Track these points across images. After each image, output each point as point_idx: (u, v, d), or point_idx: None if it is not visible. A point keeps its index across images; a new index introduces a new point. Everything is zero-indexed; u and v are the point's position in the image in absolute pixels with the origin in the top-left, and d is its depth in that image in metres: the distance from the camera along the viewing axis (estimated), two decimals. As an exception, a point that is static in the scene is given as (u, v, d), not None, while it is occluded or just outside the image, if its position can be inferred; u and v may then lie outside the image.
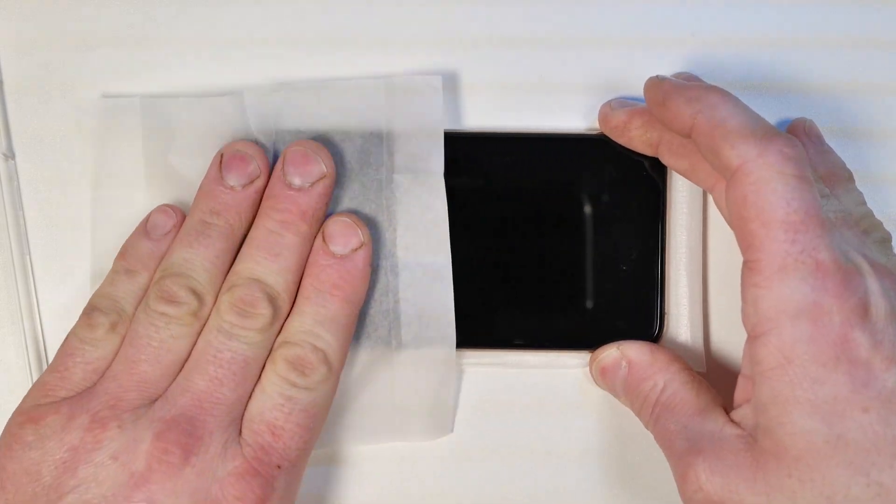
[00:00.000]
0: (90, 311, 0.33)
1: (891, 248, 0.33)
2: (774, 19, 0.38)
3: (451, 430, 0.37)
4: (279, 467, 0.31)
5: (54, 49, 0.38)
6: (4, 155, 0.38)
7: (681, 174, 0.35)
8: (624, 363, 0.35)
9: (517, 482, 0.37)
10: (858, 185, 0.35)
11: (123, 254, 0.35)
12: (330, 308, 0.33)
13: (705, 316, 0.37)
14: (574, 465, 0.37)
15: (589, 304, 0.37)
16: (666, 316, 0.37)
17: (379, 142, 0.36)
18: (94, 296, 0.34)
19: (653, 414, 0.33)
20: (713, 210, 0.37)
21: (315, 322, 0.32)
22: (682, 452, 0.31)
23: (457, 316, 0.36)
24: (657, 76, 0.33)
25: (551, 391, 0.38)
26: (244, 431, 0.31)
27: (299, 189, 0.33)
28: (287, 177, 0.34)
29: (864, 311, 0.28)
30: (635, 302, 0.36)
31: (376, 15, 0.38)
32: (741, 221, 0.29)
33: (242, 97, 0.36)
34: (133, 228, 0.35)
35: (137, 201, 0.36)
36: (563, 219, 0.37)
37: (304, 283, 0.33)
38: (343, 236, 0.34)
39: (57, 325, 0.38)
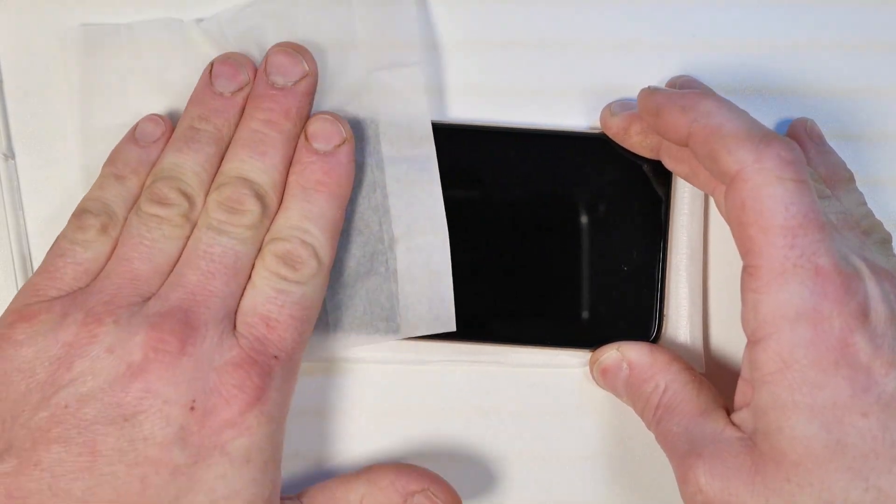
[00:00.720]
0: (80, 213, 0.33)
1: (891, 248, 0.33)
2: (774, 22, 0.38)
3: (454, 327, 0.36)
4: (276, 357, 0.31)
5: (54, 49, 0.38)
6: (4, 155, 0.38)
7: (682, 178, 0.35)
8: (624, 364, 0.35)
9: (517, 483, 0.37)
10: (858, 187, 0.35)
11: (112, 160, 0.35)
12: (316, 203, 0.33)
13: (705, 317, 0.37)
14: (575, 465, 0.37)
15: (589, 303, 0.36)
16: (665, 317, 0.37)
17: (356, 41, 0.36)
18: (84, 199, 0.34)
19: (655, 415, 0.33)
20: (714, 211, 0.37)
21: (302, 217, 0.33)
22: (683, 454, 0.31)
23: (457, 315, 0.36)
24: (649, 87, 0.34)
25: (552, 392, 0.38)
26: (238, 325, 0.32)
27: (282, 88, 0.34)
28: (270, 77, 0.34)
29: (863, 315, 0.28)
30: (635, 302, 0.36)
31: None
32: (740, 227, 0.29)
33: (222, 16, 0.37)
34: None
35: (124, 113, 0.37)
36: (564, 218, 0.37)
37: (289, 181, 0.34)
38: (325, 133, 0.34)
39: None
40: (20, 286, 0.37)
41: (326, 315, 0.36)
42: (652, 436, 0.34)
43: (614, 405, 0.37)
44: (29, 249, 0.38)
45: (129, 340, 0.30)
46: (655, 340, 0.36)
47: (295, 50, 0.35)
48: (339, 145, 0.34)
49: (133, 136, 0.35)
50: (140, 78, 0.37)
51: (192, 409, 0.30)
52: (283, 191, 0.34)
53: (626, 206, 0.37)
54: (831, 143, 0.36)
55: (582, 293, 0.37)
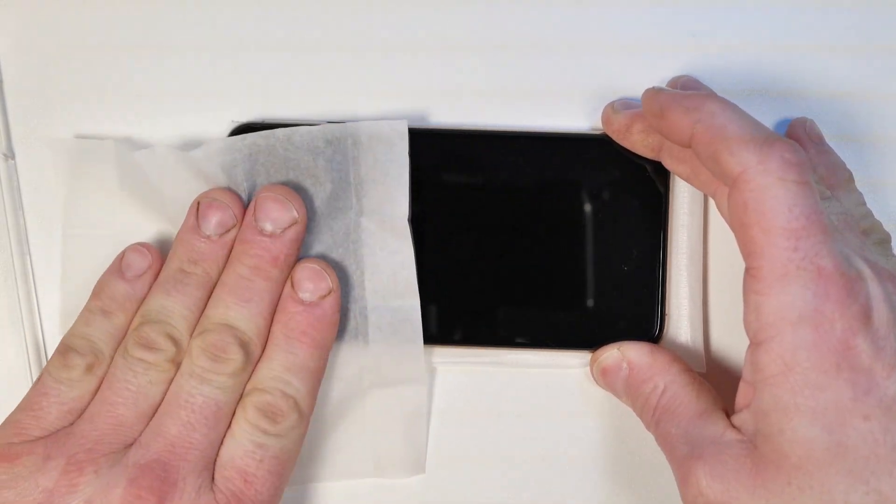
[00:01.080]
0: (65, 350, 0.33)
1: (890, 249, 0.33)
2: (774, 23, 0.38)
3: (424, 471, 0.37)
4: None
5: (54, 49, 0.38)
6: (4, 155, 0.38)
7: (683, 178, 0.35)
8: (624, 364, 0.35)
9: (518, 484, 0.37)
10: (858, 187, 0.35)
11: (98, 293, 0.35)
12: (299, 354, 0.33)
13: (705, 317, 0.37)
14: (575, 465, 0.37)
15: (590, 303, 0.36)
16: (666, 317, 0.37)
17: (347, 186, 0.36)
18: (69, 335, 0.34)
19: (654, 417, 0.33)
20: (714, 211, 0.37)
21: (284, 369, 0.33)
22: (683, 457, 0.31)
23: (458, 314, 0.36)
24: (653, 88, 0.33)
25: (552, 392, 0.38)
26: (216, 477, 0.31)
27: (271, 235, 0.34)
28: (259, 223, 0.34)
29: (865, 317, 0.28)
30: (636, 302, 0.36)
31: (378, 18, 0.38)
32: (743, 228, 0.29)
33: (210, 146, 0.36)
34: (104, 267, 0.36)
35: (108, 242, 0.36)
36: (565, 218, 0.37)
37: (273, 329, 0.34)
38: (312, 282, 0.34)
39: (57, 326, 0.38)
40: (19, 288, 0.37)
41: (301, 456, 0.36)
42: (652, 437, 0.34)
43: (615, 406, 0.37)
44: (29, 249, 0.38)
45: (107, 494, 0.30)
46: (657, 340, 0.36)
47: (285, 196, 0.34)
48: (325, 296, 0.34)
49: (119, 269, 0.35)
50: (123, 195, 0.37)
51: None
52: (267, 337, 0.34)
53: (627, 206, 0.37)
54: (831, 144, 0.36)
55: (583, 293, 0.36)
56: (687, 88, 0.36)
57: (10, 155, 0.38)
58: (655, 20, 0.38)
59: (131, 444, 0.31)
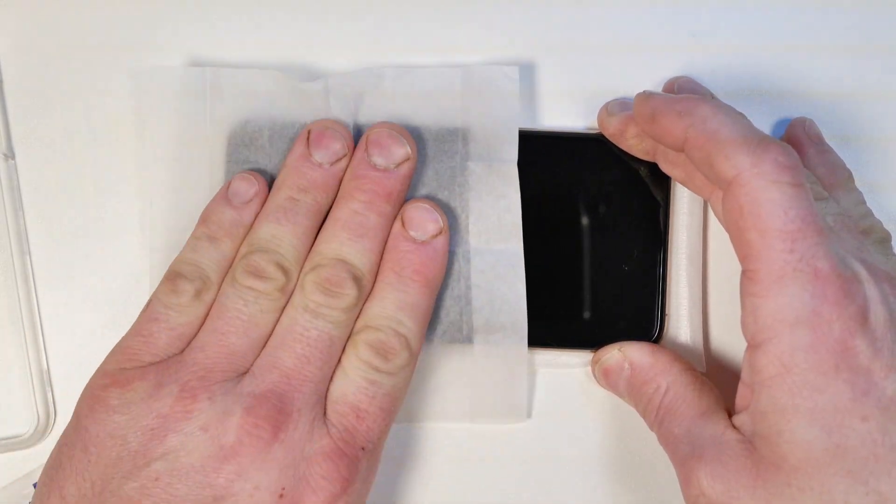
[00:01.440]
0: (174, 276, 0.33)
1: (890, 248, 0.33)
2: (774, 24, 0.38)
3: (529, 416, 0.37)
4: (363, 449, 0.31)
5: (54, 49, 0.38)
6: (4, 155, 0.38)
7: (678, 182, 0.35)
8: (626, 365, 0.35)
9: (518, 483, 0.37)
10: (857, 188, 0.35)
11: (205, 220, 0.34)
12: (411, 293, 0.33)
13: (705, 317, 0.37)
14: (576, 465, 0.37)
15: (590, 304, 0.36)
16: (666, 316, 0.37)
17: (454, 130, 0.36)
18: (177, 261, 0.34)
19: (656, 417, 0.33)
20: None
21: (397, 307, 0.33)
22: (686, 457, 0.31)
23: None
24: (645, 92, 0.33)
25: (554, 392, 0.38)
26: (329, 412, 0.32)
27: (384, 170, 0.34)
28: (371, 157, 0.34)
29: (863, 318, 0.28)
30: (636, 302, 0.36)
31: (375, 20, 0.38)
32: (738, 231, 0.29)
33: (326, 80, 0.36)
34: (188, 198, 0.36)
35: (203, 177, 0.36)
36: (564, 219, 0.37)
37: (384, 266, 0.33)
38: (423, 222, 0.34)
39: (57, 326, 0.38)
40: (20, 288, 0.37)
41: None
42: (653, 436, 0.34)
43: (616, 406, 0.37)
44: (29, 249, 0.38)
45: (223, 421, 0.30)
46: (657, 340, 0.36)
47: (398, 132, 0.34)
48: (436, 235, 0.34)
49: (226, 196, 0.34)
50: (211, 120, 0.36)
51: (281, 496, 0.30)
52: (377, 274, 0.33)
53: (627, 206, 0.37)
54: (831, 144, 0.36)
55: (583, 294, 0.36)
56: (684, 89, 0.36)
57: (10, 155, 0.38)
58: (655, 20, 0.38)
59: (244, 374, 0.32)
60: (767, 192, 0.28)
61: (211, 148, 0.36)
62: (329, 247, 0.33)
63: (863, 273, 0.29)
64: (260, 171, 0.36)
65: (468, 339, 0.36)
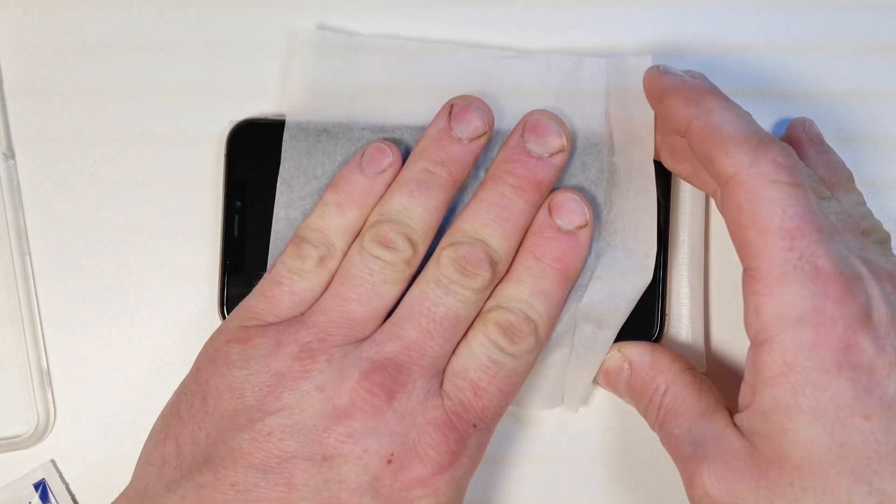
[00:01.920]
0: (299, 242, 0.33)
1: (890, 248, 0.33)
2: (774, 23, 0.38)
3: (576, 410, 0.36)
4: (475, 426, 0.31)
5: (54, 49, 0.38)
6: (4, 155, 0.38)
7: (683, 178, 0.35)
8: (626, 366, 0.35)
9: (519, 484, 0.37)
10: (858, 188, 0.35)
11: (336, 187, 0.34)
12: (547, 281, 0.33)
13: (706, 316, 0.37)
14: (577, 465, 0.37)
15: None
16: (666, 316, 0.37)
17: (601, 121, 0.36)
18: (303, 227, 0.34)
19: (657, 417, 0.33)
20: (715, 211, 0.37)
21: (532, 293, 0.33)
22: (688, 457, 0.31)
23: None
24: (658, 67, 0.33)
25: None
26: (446, 384, 0.32)
27: (538, 158, 0.33)
28: (527, 143, 0.34)
29: (865, 316, 0.28)
30: (637, 302, 0.36)
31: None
32: (738, 230, 0.29)
33: (474, 55, 0.36)
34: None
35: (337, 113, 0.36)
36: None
37: (523, 250, 0.33)
38: (570, 212, 0.34)
39: (57, 326, 0.38)
40: (20, 287, 0.37)
41: None
42: (653, 436, 0.34)
43: (615, 405, 0.37)
44: (29, 249, 0.38)
45: (340, 383, 0.31)
46: (658, 340, 0.36)
47: (554, 121, 0.34)
48: (581, 227, 0.34)
49: (360, 164, 0.34)
50: (358, 89, 0.36)
51: (389, 462, 0.30)
52: (515, 258, 0.33)
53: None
54: (831, 144, 0.36)
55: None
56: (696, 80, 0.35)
57: (10, 155, 0.38)
58: (656, 20, 0.38)
59: (362, 341, 0.32)
60: (766, 190, 0.28)
61: (348, 111, 0.36)
62: (471, 226, 0.33)
63: (864, 271, 0.29)
64: (396, 143, 0.35)
65: (573, 330, 0.35)
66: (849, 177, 0.35)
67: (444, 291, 0.32)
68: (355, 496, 0.30)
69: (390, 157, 0.34)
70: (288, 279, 0.33)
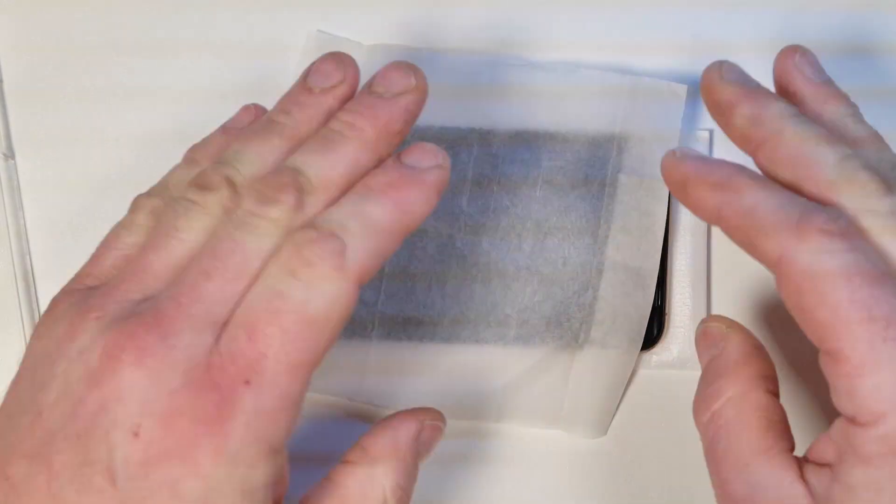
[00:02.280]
0: (137, 196, 0.30)
1: None
2: (774, 23, 0.38)
3: (605, 433, 0.36)
4: (247, 382, 0.25)
5: (54, 49, 0.38)
6: (4, 155, 0.38)
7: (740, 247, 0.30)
8: (722, 344, 0.31)
9: (518, 484, 0.37)
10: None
11: (194, 146, 0.31)
12: (375, 208, 0.27)
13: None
14: (576, 465, 0.37)
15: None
16: (666, 316, 0.37)
17: (611, 137, 0.36)
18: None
19: (710, 425, 0.30)
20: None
21: (349, 215, 0.26)
22: (739, 499, 0.28)
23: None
24: (674, 153, 0.29)
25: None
26: (222, 335, 0.25)
27: (380, 96, 0.29)
28: (371, 87, 0.29)
29: None
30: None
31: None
32: (804, 313, 0.26)
33: (488, 65, 0.36)
34: None
35: None
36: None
37: (354, 187, 0.28)
38: (422, 152, 0.28)
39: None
40: (20, 288, 0.37)
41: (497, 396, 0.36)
42: (655, 437, 0.33)
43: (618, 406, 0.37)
44: (29, 249, 0.38)
45: (96, 344, 0.25)
46: (657, 340, 0.36)
47: (405, 64, 0.29)
48: (432, 168, 0.28)
49: (224, 125, 0.32)
50: None
51: (136, 434, 0.24)
52: (336, 199, 0.27)
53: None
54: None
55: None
56: (731, 74, 0.32)
57: (10, 155, 0.38)
58: (656, 20, 0.38)
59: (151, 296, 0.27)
60: (823, 264, 0.25)
61: None
62: (290, 159, 0.28)
63: None
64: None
65: (580, 348, 0.35)
66: (853, 109, 0.32)
67: (236, 225, 0.26)
68: (106, 480, 0.24)
69: (252, 115, 0.32)
70: (115, 235, 0.29)
